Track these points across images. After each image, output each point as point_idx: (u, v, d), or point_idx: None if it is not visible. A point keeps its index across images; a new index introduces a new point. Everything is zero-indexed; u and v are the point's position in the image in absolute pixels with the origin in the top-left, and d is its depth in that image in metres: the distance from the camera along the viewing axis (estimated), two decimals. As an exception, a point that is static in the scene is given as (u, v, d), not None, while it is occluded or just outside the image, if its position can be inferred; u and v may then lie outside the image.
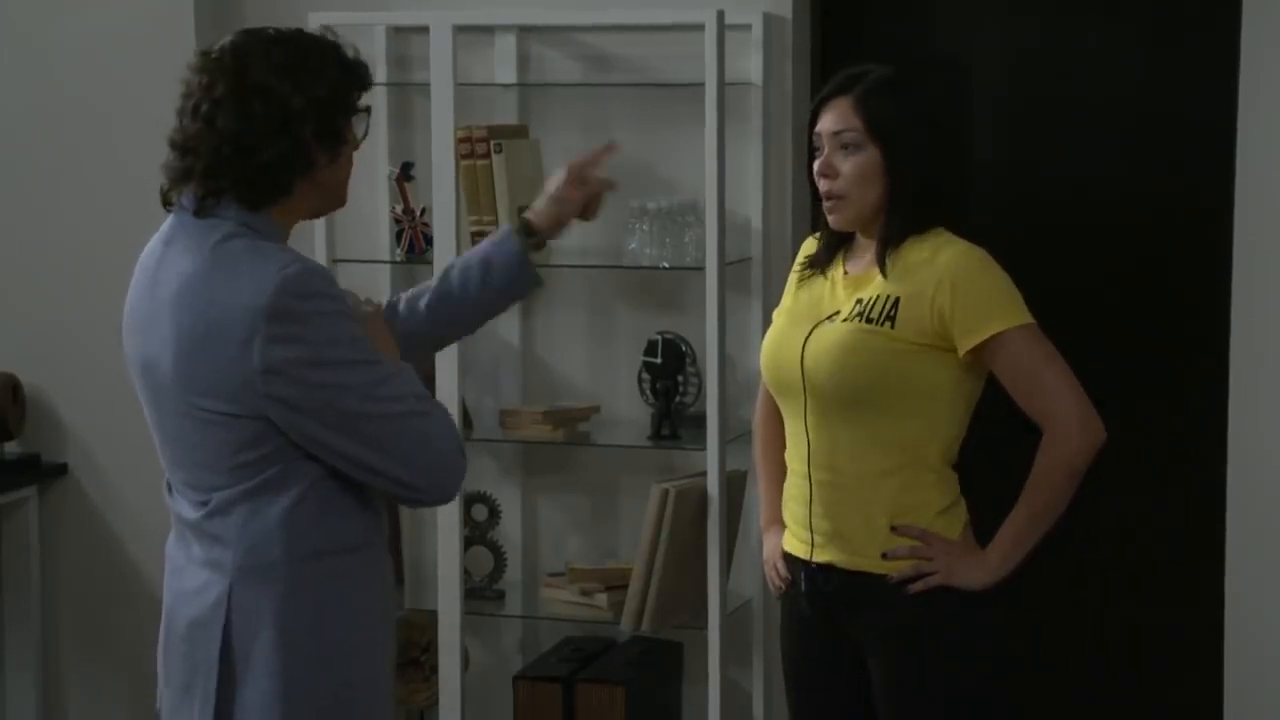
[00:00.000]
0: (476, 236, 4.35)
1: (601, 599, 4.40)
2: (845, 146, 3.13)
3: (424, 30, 4.37)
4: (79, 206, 4.78)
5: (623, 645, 4.54)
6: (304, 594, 2.63)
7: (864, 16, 4.59)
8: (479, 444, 4.56)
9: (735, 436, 4.29)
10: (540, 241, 3.06)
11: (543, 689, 4.41)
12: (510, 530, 4.66)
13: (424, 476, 2.63)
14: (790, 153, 4.36)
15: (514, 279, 3.01)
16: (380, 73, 4.58)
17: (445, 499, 2.72)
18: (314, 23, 4.09)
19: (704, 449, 4.25)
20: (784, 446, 3.27)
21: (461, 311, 3.02)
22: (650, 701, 4.43)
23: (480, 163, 4.35)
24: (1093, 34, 4.49)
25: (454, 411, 4.33)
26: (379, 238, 4.59)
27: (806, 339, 3.16)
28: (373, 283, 4.59)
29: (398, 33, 4.61)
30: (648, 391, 4.45)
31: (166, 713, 2.75)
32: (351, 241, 4.52)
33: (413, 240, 4.51)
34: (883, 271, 3.12)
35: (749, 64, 4.39)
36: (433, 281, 3.03)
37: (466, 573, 4.48)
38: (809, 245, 3.33)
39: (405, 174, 4.52)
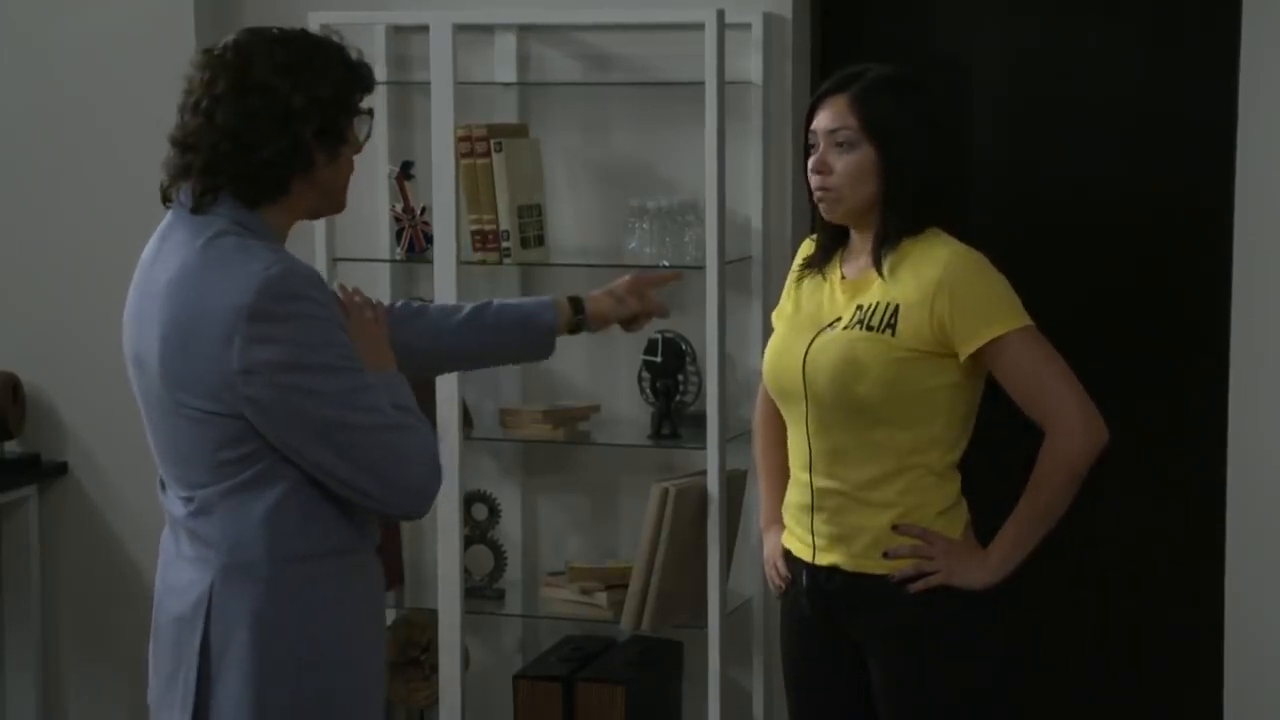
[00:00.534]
0: (476, 235, 4.36)
1: (601, 598, 4.40)
2: (840, 145, 3.13)
3: (424, 29, 4.37)
4: (79, 206, 4.78)
5: (623, 645, 4.54)
6: (284, 596, 2.62)
7: (864, 16, 4.59)
8: (479, 443, 4.56)
9: (735, 435, 4.29)
10: (580, 325, 3.10)
11: (543, 688, 4.41)
12: (510, 529, 4.66)
13: (391, 492, 2.62)
14: (790, 152, 4.37)
15: (532, 344, 3.07)
16: (380, 72, 4.58)
17: (412, 516, 2.71)
18: (314, 22, 4.09)
19: (704, 448, 4.25)
20: (784, 446, 3.27)
21: (473, 349, 3.05)
22: (650, 701, 4.43)
23: (480, 162, 4.35)
24: (1093, 34, 4.49)
25: (454, 411, 4.34)
26: (379, 237, 4.59)
27: (808, 347, 3.16)
28: (372, 282, 4.59)
29: (398, 32, 4.61)
30: (648, 390, 4.45)
31: (154, 701, 2.76)
32: (351, 240, 4.52)
33: (413, 239, 4.50)
34: (879, 273, 3.12)
35: (749, 63, 4.39)
36: (465, 307, 3.03)
37: (467, 572, 4.48)
38: (806, 247, 3.33)
39: (405, 173, 4.52)
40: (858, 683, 3.21)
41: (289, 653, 2.63)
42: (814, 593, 3.21)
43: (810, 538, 3.20)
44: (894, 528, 3.12)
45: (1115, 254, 4.49)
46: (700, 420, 4.29)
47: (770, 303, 3.38)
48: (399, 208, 4.52)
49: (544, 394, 4.61)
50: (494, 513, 4.59)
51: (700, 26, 4.14)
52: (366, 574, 2.74)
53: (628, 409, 4.53)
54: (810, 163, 3.17)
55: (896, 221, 3.12)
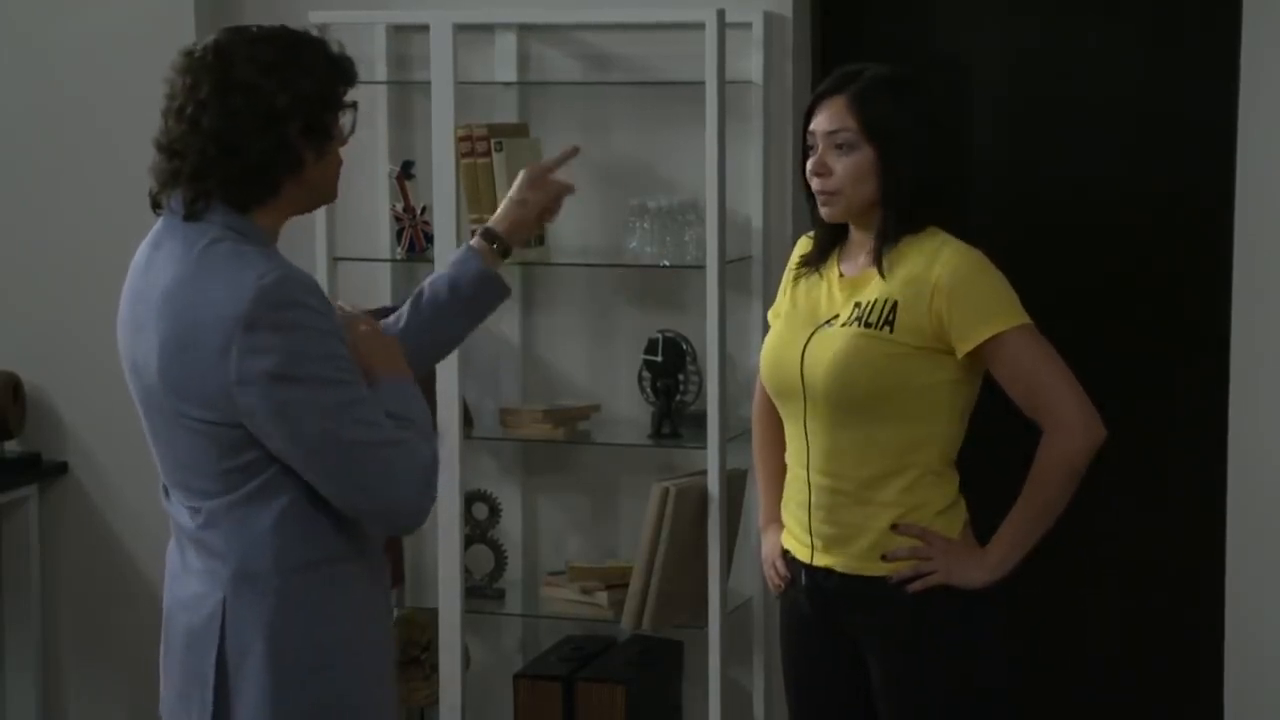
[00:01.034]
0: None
1: (602, 598, 4.40)
2: (839, 146, 3.12)
3: (424, 29, 4.37)
4: (79, 206, 4.78)
5: (623, 644, 4.54)
6: (294, 606, 2.61)
7: (864, 16, 4.59)
8: (479, 442, 4.56)
9: (735, 435, 4.29)
10: (506, 248, 3.02)
11: (543, 688, 4.41)
12: (510, 529, 4.66)
13: (381, 510, 2.60)
14: (790, 152, 4.36)
15: (480, 296, 2.98)
16: (380, 71, 4.59)
17: (404, 533, 2.69)
18: (314, 21, 4.10)
19: (704, 447, 4.25)
20: (783, 445, 3.27)
21: (437, 335, 2.99)
22: (650, 701, 4.43)
23: (480, 161, 4.35)
24: (1093, 34, 4.49)
25: (454, 411, 4.34)
26: (379, 236, 4.59)
27: (806, 344, 3.15)
28: (373, 281, 4.60)
29: (398, 31, 4.61)
30: (648, 390, 4.45)
31: (166, 714, 2.75)
32: (352, 240, 4.52)
33: (413, 239, 4.51)
34: (880, 272, 3.12)
35: (749, 63, 4.39)
36: (404, 307, 2.98)
37: (467, 571, 4.48)
38: (803, 244, 3.32)
39: (406, 172, 4.52)
40: (857, 681, 3.21)
41: (301, 661, 2.62)
42: (813, 592, 3.21)
43: (809, 538, 3.19)
44: (893, 527, 3.12)
45: (1115, 254, 4.49)
46: (700, 420, 4.29)
47: (770, 302, 3.38)
48: (399, 207, 4.52)
49: (544, 393, 4.61)
50: (494, 512, 4.59)
51: (700, 26, 4.14)
52: (374, 577, 2.73)
53: (628, 408, 4.53)
54: (809, 164, 3.16)
55: (896, 221, 3.12)
